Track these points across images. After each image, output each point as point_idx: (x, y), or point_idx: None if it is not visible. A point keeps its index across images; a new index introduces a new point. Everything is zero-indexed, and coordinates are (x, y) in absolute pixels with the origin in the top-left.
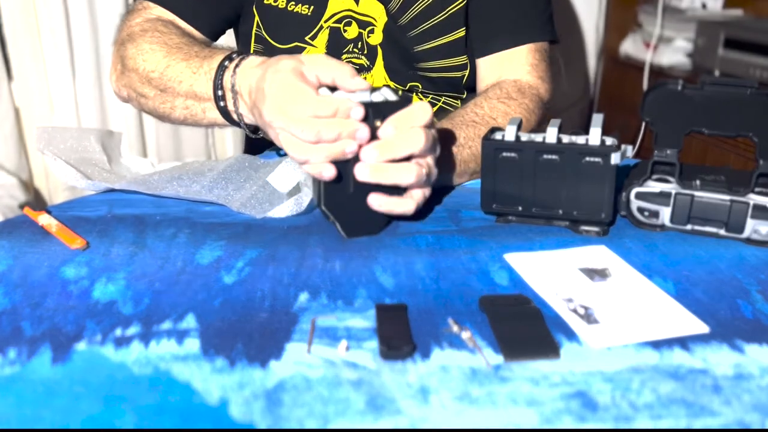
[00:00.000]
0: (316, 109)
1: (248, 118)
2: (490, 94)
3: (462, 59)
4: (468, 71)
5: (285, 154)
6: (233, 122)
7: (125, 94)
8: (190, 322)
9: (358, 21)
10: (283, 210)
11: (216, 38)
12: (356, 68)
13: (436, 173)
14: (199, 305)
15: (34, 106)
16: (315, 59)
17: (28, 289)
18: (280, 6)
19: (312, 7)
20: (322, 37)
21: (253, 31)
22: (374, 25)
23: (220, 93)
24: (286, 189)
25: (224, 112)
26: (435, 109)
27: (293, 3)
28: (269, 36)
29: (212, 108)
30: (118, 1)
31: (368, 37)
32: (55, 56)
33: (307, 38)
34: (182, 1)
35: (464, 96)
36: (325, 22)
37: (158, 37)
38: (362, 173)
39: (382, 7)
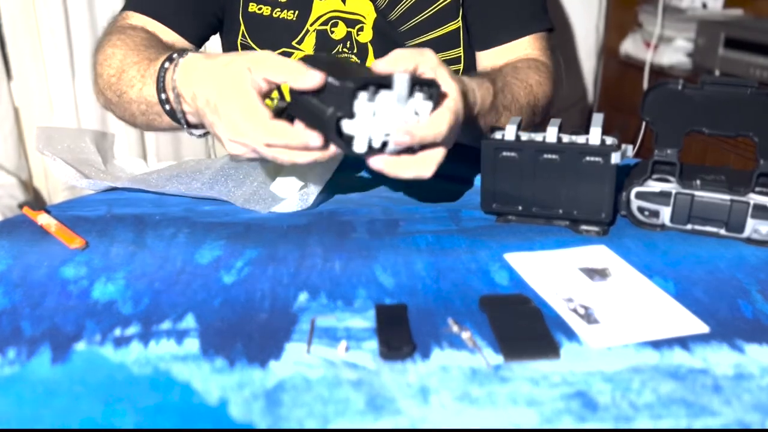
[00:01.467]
0: (271, 137)
1: (191, 119)
2: (509, 66)
3: (456, 52)
4: (462, 65)
5: None
6: (182, 123)
7: (101, 101)
8: (189, 322)
9: (345, 20)
10: (289, 205)
11: (200, 44)
12: None
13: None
14: (198, 305)
15: (34, 106)
16: (262, 61)
17: (27, 288)
18: (265, 14)
19: (297, 12)
20: (309, 41)
21: (239, 40)
22: (363, 23)
23: (163, 96)
24: (290, 194)
25: (172, 115)
26: None
27: (279, 9)
28: (255, 43)
29: (163, 112)
30: (117, 0)
31: (357, 35)
32: (54, 56)
33: (293, 43)
34: (163, 6)
35: None
36: (311, 25)
37: (122, 40)
38: (377, 165)
39: (370, 3)
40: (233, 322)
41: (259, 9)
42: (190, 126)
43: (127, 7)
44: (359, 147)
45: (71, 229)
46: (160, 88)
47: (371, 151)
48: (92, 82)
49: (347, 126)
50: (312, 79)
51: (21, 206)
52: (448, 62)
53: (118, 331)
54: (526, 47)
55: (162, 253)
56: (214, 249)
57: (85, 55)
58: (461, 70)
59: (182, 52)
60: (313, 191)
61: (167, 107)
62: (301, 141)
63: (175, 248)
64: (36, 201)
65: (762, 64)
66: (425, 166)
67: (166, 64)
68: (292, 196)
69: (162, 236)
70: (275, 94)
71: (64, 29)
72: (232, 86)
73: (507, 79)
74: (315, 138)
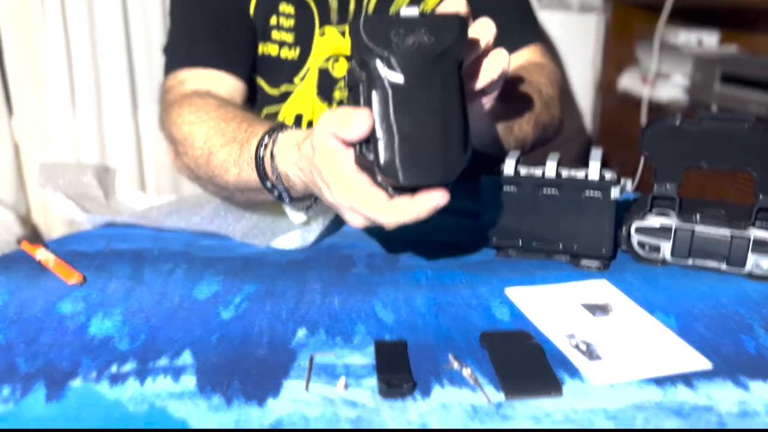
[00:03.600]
0: (388, 214)
1: (297, 194)
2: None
3: None
4: None
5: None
6: (289, 202)
7: (186, 174)
8: (186, 358)
9: (347, 57)
10: (288, 242)
11: (251, 86)
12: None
13: None
14: (195, 341)
15: (34, 142)
16: (320, 134)
17: (23, 324)
18: (273, 54)
19: (299, 50)
20: (311, 78)
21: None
22: None
23: (269, 184)
24: (301, 220)
25: (280, 198)
26: None
27: (286, 48)
28: (264, 80)
29: (264, 191)
30: (119, 38)
31: None
32: (56, 92)
33: (296, 80)
34: (210, 53)
35: None
36: (313, 62)
37: (195, 114)
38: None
39: None
40: (231, 358)
41: (267, 49)
42: (294, 200)
43: (174, 66)
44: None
45: (69, 264)
46: (263, 176)
47: None
48: (171, 155)
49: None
50: (358, 129)
51: (19, 241)
52: None
53: (114, 368)
54: (526, 56)
55: (160, 289)
56: (212, 284)
57: (87, 91)
58: None
59: (270, 133)
60: (315, 230)
61: (275, 193)
62: (424, 209)
63: (173, 283)
64: (34, 236)
65: (759, 100)
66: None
67: (261, 152)
68: (293, 232)
69: (160, 271)
70: None
71: (66, 66)
72: (328, 168)
73: (512, 79)
74: (441, 196)
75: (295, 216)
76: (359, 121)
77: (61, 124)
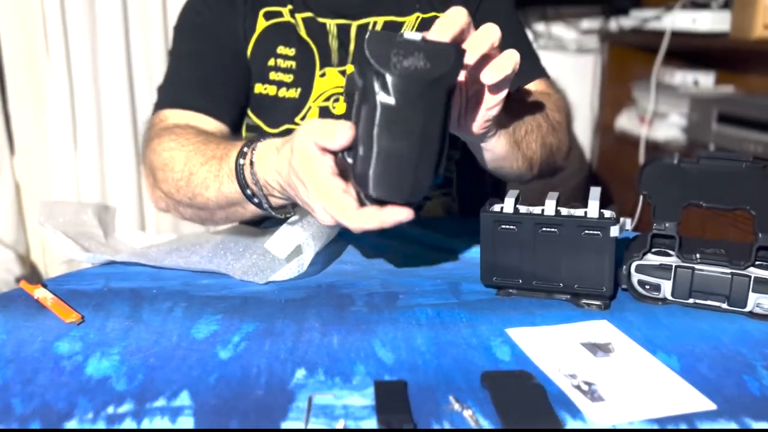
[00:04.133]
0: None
1: (277, 201)
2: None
3: None
4: None
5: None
6: (270, 210)
7: (163, 206)
8: (184, 399)
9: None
10: (286, 273)
11: (235, 127)
12: None
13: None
14: (193, 382)
15: (35, 181)
16: (301, 139)
17: (20, 364)
18: (270, 94)
19: (299, 90)
20: (312, 116)
21: (245, 120)
22: None
23: (249, 192)
24: (285, 254)
25: (259, 205)
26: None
27: (284, 89)
28: (261, 121)
29: (248, 203)
30: (122, 76)
31: None
32: (58, 131)
33: (296, 119)
34: (196, 98)
35: (458, 155)
36: (314, 101)
37: (175, 141)
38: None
39: None
40: (229, 399)
41: (265, 89)
42: (274, 209)
43: (160, 106)
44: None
45: (68, 303)
46: (243, 185)
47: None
48: (148, 187)
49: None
50: (342, 137)
51: (18, 280)
52: None
53: (111, 409)
54: (533, 89)
55: (158, 328)
56: (210, 323)
57: (89, 130)
58: None
59: (249, 144)
60: (309, 255)
61: (255, 200)
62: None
63: (171, 323)
64: (33, 275)
65: (756, 139)
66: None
67: (241, 161)
68: (289, 263)
69: (159, 310)
70: None
71: (69, 105)
72: (305, 170)
73: (520, 97)
74: (406, 214)
75: (279, 251)
76: (342, 132)
77: (62, 164)
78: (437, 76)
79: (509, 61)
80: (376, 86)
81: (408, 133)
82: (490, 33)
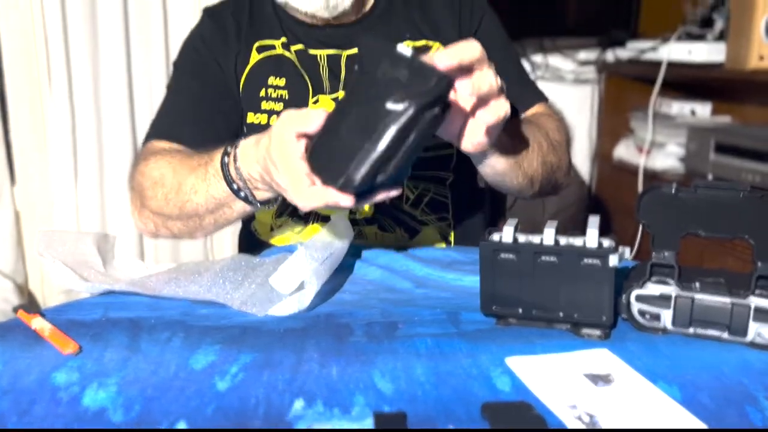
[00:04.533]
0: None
1: (262, 195)
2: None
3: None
4: (456, 150)
5: (281, 249)
6: (256, 204)
7: (151, 226)
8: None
9: None
10: (285, 308)
11: None
12: None
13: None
14: (191, 413)
15: (35, 210)
16: (278, 127)
17: (16, 395)
18: (263, 123)
19: None
20: None
21: None
22: None
23: (235, 186)
24: (290, 290)
25: (245, 199)
26: (424, 197)
27: (275, 116)
28: None
29: (236, 201)
30: (123, 106)
31: None
32: (59, 161)
33: None
34: (182, 132)
35: (451, 178)
36: None
37: (165, 160)
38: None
39: None
40: (226, 430)
41: (257, 118)
42: (261, 203)
43: (149, 138)
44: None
45: (65, 333)
46: (229, 181)
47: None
48: (134, 211)
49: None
50: (316, 119)
51: (16, 310)
52: (441, 146)
53: None
54: (534, 113)
55: (156, 358)
56: (208, 354)
57: (90, 159)
58: (454, 154)
59: (232, 143)
60: (310, 293)
61: (242, 194)
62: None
63: (169, 353)
64: (31, 304)
65: (753, 169)
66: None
67: (225, 159)
68: (290, 298)
69: (157, 340)
70: None
71: (70, 135)
72: (278, 153)
73: (522, 120)
74: (344, 199)
75: (283, 286)
76: (316, 117)
77: (63, 193)
78: (410, 94)
79: (485, 79)
80: (357, 85)
81: (362, 132)
82: (469, 50)
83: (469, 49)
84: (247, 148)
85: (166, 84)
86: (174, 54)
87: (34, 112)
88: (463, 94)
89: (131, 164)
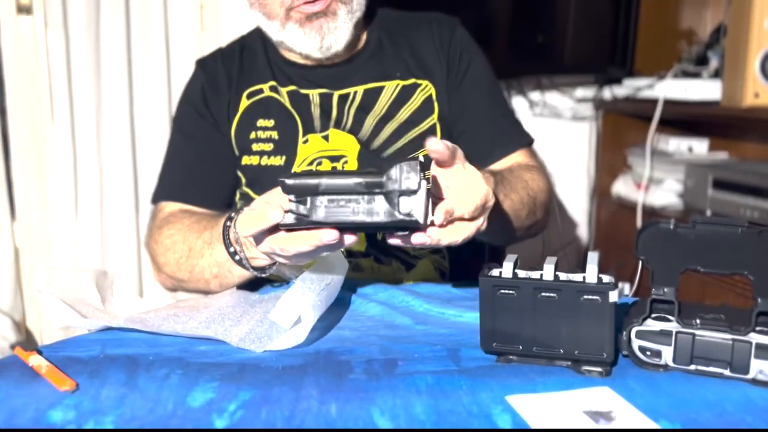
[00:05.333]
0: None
1: (258, 262)
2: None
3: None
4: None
5: (280, 285)
6: (251, 269)
7: (169, 284)
8: None
9: (329, 157)
10: (283, 343)
11: (228, 207)
12: None
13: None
14: None
15: (35, 247)
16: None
17: None
18: (254, 164)
19: (284, 157)
20: None
21: (239, 190)
22: (347, 157)
23: (232, 249)
24: (290, 323)
25: (240, 263)
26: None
27: (266, 157)
28: (252, 191)
29: (234, 265)
30: (125, 144)
31: (342, 168)
32: (59, 197)
33: None
34: (187, 192)
35: None
36: (299, 166)
37: (175, 228)
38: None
39: (352, 137)
40: None
41: (250, 160)
42: (256, 269)
43: (158, 199)
44: (421, 218)
45: (63, 370)
46: (227, 243)
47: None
48: (154, 273)
49: (405, 203)
50: (274, 216)
51: (13, 347)
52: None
53: None
54: (516, 158)
55: (153, 396)
56: (207, 391)
57: (90, 196)
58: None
59: (237, 210)
60: (307, 326)
61: (237, 257)
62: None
63: (167, 390)
64: (29, 342)
65: (751, 205)
66: (460, 232)
67: (228, 223)
68: (287, 332)
69: (155, 377)
70: None
71: (72, 171)
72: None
73: (504, 174)
74: (330, 235)
75: (283, 320)
76: (274, 213)
77: (63, 230)
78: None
79: (460, 233)
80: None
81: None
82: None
83: (475, 197)
84: (245, 213)
85: (168, 140)
86: (175, 93)
87: (36, 149)
88: (437, 216)
89: (147, 227)
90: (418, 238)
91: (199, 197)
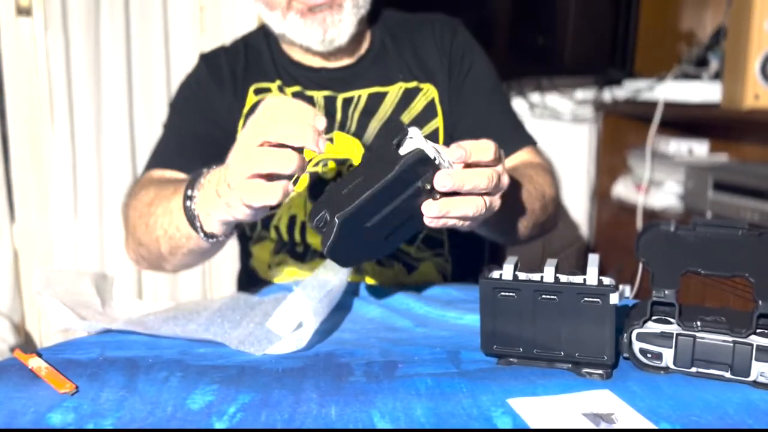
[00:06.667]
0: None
1: (209, 223)
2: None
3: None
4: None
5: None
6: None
7: (132, 255)
8: None
9: (335, 160)
10: (284, 347)
11: None
12: None
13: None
14: None
15: (34, 249)
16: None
17: None
18: None
19: None
20: (303, 182)
21: None
22: (351, 160)
23: (189, 193)
24: (288, 332)
25: (190, 212)
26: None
27: None
28: None
29: (183, 220)
30: (124, 146)
31: (348, 169)
32: (59, 200)
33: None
34: (178, 161)
35: None
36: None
37: (146, 187)
38: (431, 211)
39: (357, 140)
40: None
41: None
42: (205, 233)
43: (148, 167)
44: (428, 149)
45: (62, 373)
46: (188, 186)
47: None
48: (125, 243)
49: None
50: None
51: (12, 349)
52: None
53: None
54: (521, 157)
55: (153, 398)
56: (206, 394)
57: (90, 199)
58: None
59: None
60: (308, 331)
61: (188, 203)
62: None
63: (166, 392)
64: (28, 344)
65: (751, 207)
66: (470, 203)
67: (198, 177)
68: (288, 337)
69: (154, 380)
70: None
71: (71, 174)
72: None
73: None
74: (321, 121)
75: (281, 329)
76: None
77: (62, 232)
78: (393, 167)
79: (476, 178)
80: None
81: (353, 189)
82: (484, 148)
83: (483, 150)
84: (218, 168)
85: (163, 123)
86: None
87: (35, 151)
88: (444, 180)
89: (125, 194)
90: (440, 179)
91: (188, 164)
